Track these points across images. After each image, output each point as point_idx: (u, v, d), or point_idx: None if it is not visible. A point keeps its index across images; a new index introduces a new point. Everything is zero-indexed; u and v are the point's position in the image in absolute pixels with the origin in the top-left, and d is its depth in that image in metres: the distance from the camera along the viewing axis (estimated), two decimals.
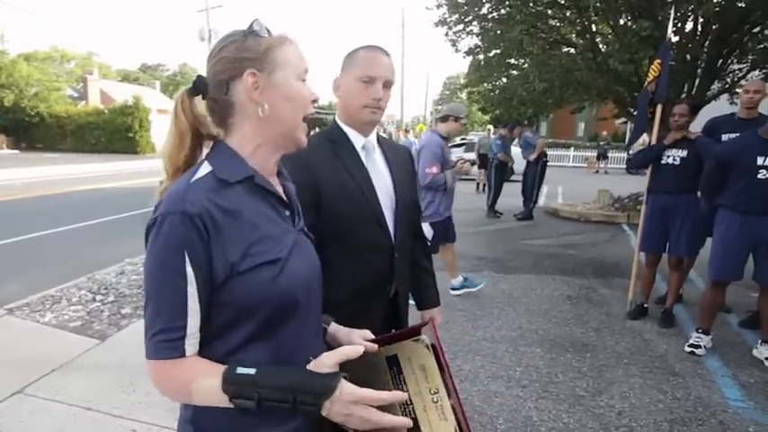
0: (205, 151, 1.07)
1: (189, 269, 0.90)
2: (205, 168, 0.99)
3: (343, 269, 1.48)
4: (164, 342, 0.91)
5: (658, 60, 4.48)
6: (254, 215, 0.99)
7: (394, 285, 1.69)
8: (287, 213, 1.09)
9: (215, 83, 1.02)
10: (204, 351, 0.98)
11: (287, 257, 1.01)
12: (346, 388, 0.91)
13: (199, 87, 1.04)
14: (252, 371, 0.90)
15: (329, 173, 1.56)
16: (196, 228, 0.90)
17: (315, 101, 1.07)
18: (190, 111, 1.04)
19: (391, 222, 1.64)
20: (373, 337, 1.23)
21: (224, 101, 1.02)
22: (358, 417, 0.90)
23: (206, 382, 0.91)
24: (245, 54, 1.00)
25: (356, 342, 1.18)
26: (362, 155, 1.65)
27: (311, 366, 0.97)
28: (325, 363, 0.96)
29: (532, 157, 9.84)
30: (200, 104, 1.06)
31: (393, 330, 1.41)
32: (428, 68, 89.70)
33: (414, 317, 1.70)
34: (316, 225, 1.38)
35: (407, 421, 0.92)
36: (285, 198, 1.10)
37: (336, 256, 1.37)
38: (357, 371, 1.20)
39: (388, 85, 1.60)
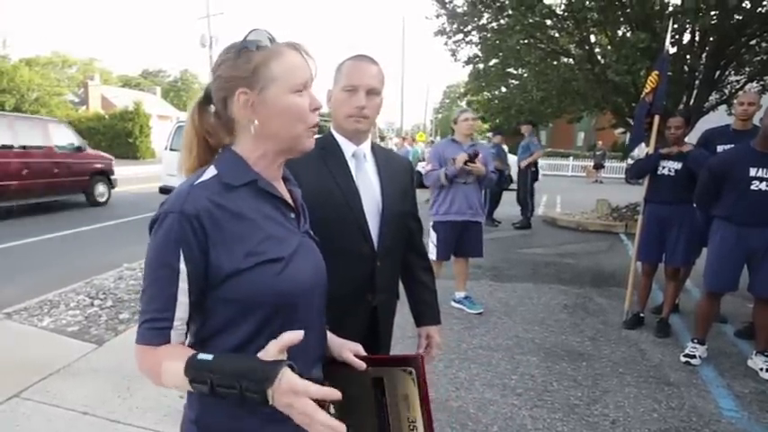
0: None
1: (182, 265, 0.97)
2: (211, 172, 1.04)
3: None
4: (152, 330, 0.99)
5: (656, 72, 4.53)
6: (257, 216, 1.04)
7: (376, 297, 1.66)
8: (292, 216, 1.12)
9: (216, 99, 1.08)
10: (208, 348, 1.03)
11: (290, 258, 1.05)
12: (287, 377, 0.87)
13: (209, 98, 1.10)
14: (209, 357, 0.92)
15: (313, 178, 1.56)
16: (192, 227, 0.96)
17: (316, 109, 1.08)
18: (199, 121, 1.10)
19: (375, 232, 1.64)
20: (365, 353, 1.24)
21: (225, 115, 1.07)
22: (297, 408, 0.87)
23: (173, 366, 0.94)
24: (235, 73, 1.03)
25: (346, 356, 1.20)
26: (352, 163, 1.66)
27: (260, 354, 0.94)
28: (269, 351, 0.93)
29: (524, 163, 9.82)
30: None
31: (365, 342, 1.40)
32: (428, 77, 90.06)
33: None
34: None
35: (342, 427, 0.88)
36: (291, 201, 1.14)
37: None
38: (342, 383, 1.23)
39: (373, 92, 1.61)
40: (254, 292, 1.00)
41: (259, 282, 1.00)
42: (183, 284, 0.97)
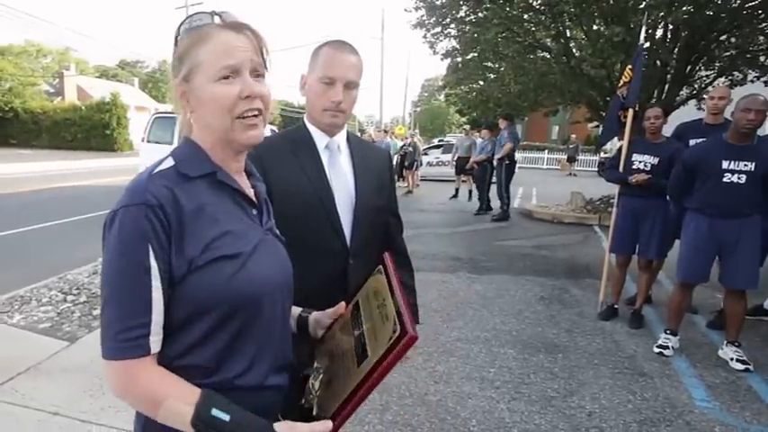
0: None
1: (153, 262, 0.88)
2: (168, 162, 0.98)
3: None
4: (128, 340, 0.88)
5: (630, 66, 4.58)
6: (216, 210, 0.97)
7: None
8: (254, 212, 1.06)
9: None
10: (164, 345, 0.95)
11: (249, 254, 0.98)
12: None
13: None
14: (226, 417, 0.87)
15: (282, 172, 1.50)
16: (159, 219, 0.88)
17: (249, 96, 0.96)
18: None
19: (348, 227, 1.56)
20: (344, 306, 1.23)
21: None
22: None
23: (178, 408, 0.88)
24: (173, 62, 0.99)
25: (332, 314, 1.21)
26: (325, 155, 1.59)
27: (280, 427, 0.93)
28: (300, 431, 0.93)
29: (497, 157, 9.86)
30: None
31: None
32: (407, 70, 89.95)
33: None
34: None
35: None
36: (253, 197, 1.08)
37: None
38: (332, 348, 1.18)
39: (350, 86, 1.53)
40: (209, 290, 0.92)
41: (214, 280, 0.92)
42: (157, 283, 0.88)
